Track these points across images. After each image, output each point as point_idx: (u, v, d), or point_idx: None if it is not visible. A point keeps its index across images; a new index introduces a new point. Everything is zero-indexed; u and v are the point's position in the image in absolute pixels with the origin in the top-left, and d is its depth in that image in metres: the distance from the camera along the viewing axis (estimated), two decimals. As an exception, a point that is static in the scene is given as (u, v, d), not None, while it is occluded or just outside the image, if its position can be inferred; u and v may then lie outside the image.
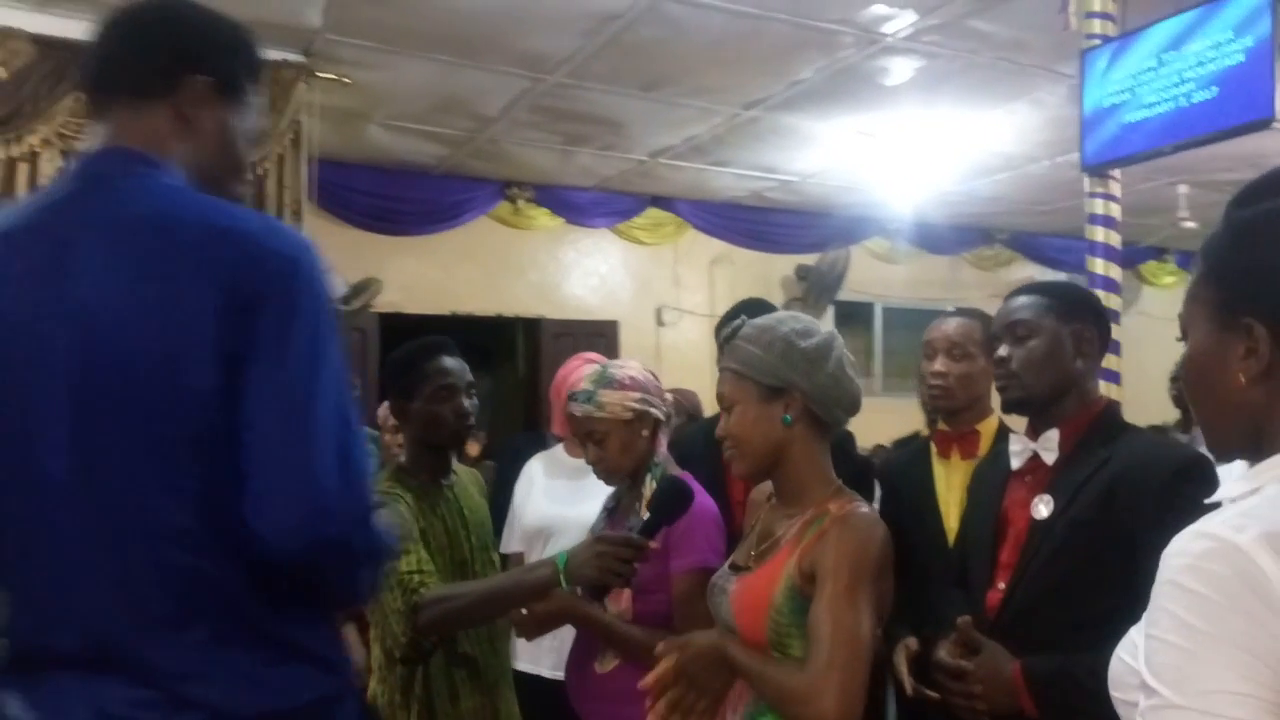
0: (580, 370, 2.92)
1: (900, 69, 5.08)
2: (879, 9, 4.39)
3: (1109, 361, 3.44)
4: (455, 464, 2.31)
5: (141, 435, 1.10)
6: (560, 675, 2.54)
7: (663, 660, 1.55)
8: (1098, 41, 3.62)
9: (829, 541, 1.52)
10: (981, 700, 1.69)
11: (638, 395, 2.08)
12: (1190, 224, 7.31)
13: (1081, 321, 1.86)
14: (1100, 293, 3.59)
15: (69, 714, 1.10)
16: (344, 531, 1.14)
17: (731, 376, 1.68)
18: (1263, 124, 3.11)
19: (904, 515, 2.48)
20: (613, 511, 2.21)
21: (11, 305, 1.14)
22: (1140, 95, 3.42)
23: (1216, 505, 0.96)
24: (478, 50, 4.79)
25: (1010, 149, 6.40)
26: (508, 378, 8.09)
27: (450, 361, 2.23)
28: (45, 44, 4.29)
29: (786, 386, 1.63)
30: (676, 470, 2.13)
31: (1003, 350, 1.88)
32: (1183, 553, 0.85)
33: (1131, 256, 8.88)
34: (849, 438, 2.94)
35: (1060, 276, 9.07)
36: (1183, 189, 7.05)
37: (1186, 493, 1.58)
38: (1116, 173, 3.63)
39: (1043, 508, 1.75)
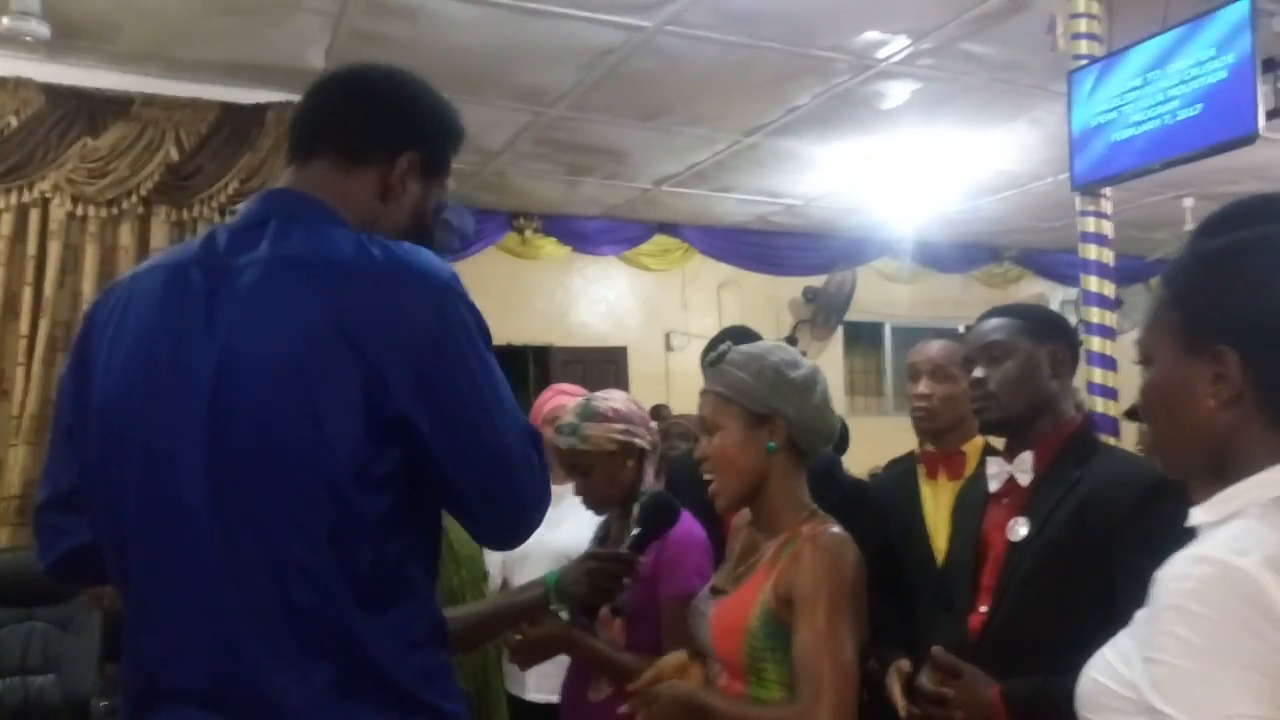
0: (554, 401, 2.98)
1: (896, 92, 5.13)
2: (871, 35, 4.45)
3: (1105, 378, 3.45)
4: None
5: (275, 474, 1.11)
6: (543, 698, 2.57)
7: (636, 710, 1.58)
8: (1085, 62, 3.66)
9: (803, 564, 1.55)
10: None
11: (621, 427, 2.11)
12: (1197, 237, 7.29)
13: (1055, 342, 1.88)
14: (1095, 310, 3.62)
15: None
16: (537, 523, 1.28)
17: (718, 400, 1.70)
18: (1247, 140, 3.13)
19: (893, 536, 2.50)
20: (603, 541, 2.24)
21: (171, 333, 1.17)
22: (1127, 114, 3.45)
23: (1192, 529, 0.97)
24: (478, 86, 4.87)
25: (1012, 167, 6.43)
26: (521, 407, 8.12)
27: None
28: (55, 93, 4.41)
29: (773, 414, 1.66)
30: (664, 497, 2.16)
31: (978, 372, 1.90)
32: (1185, 577, 0.85)
33: (1140, 270, 8.86)
34: (835, 462, 2.97)
35: (1071, 291, 9.06)
36: (1188, 202, 7.05)
37: (1158, 511, 1.60)
38: (1107, 190, 3.65)
39: (1020, 529, 1.77)
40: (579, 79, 4.82)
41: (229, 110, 4.69)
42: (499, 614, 1.99)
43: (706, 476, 1.74)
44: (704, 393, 1.77)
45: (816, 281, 8.22)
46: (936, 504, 2.38)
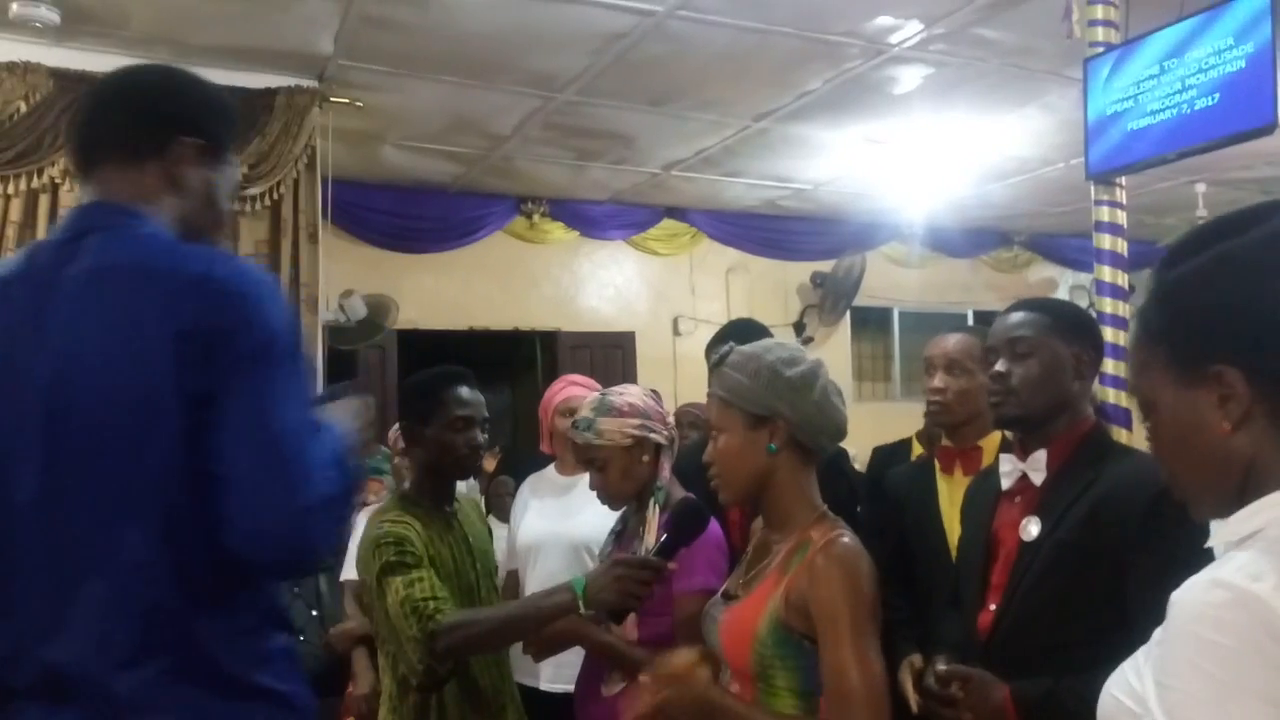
0: (565, 392, 2.98)
1: (908, 78, 5.09)
2: (884, 20, 4.41)
3: (1118, 369, 3.43)
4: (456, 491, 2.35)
5: (108, 471, 1.18)
6: (557, 687, 2.58)
7: (646, 693, 1.57)
8: (1100, 49, 3.61)
9: (819, 578, 1.52)
10: None
11: (636, 422, 2.11)
12: (1209, 223, 7.25)
13: (1081, 344, 1.85)
14: (1109, 300, 3.59)
15: None
16: (318, 546, 1.25)
17: (718, 404, 1.70)
18: (1265, 130, 3.09)
19: (908, 531, 2.50)
20: (620, 535, 2.24)
21: (1, 348, 1.25)
22: (1143, 102, 3.41)
23: (1205, 532, 0.97)
24: (488, 71, 4.85)
25: (1024, 153, 6.38)
26: (526, 391, 8.15)
27: (469, 393, 2.24)
28: (64, 77, 4.39)
29: (771, 415, 1.65)
30: (681, 493, 2.16)
31: (1000, 365, 1.87)
32: (1199, 602, 0.84)
33: (1151, 256, 8.76)
34: (843, 455, 2.96)
35: (1081, 277, 9.03)
36: (1201, 187, 7.01)
37: (1171, 514, 1.57)
38: (1122, 179, 3.62)
39: (1032, 528, 1.76)
40: (589, 64, 4.79)
41: (238, 95, 4.66)
42: (527, 616, 1.99)
43: (713, 481, 1.73)
44: (709, 395, 1.78)
45: (825, 266, 8.18)
46: (952, 499, 2.36)
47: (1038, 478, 1.80)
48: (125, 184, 1.34)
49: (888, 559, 2.49)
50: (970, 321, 8.96)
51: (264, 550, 1.19)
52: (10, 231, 4.33)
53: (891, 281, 8.60)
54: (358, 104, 5.08)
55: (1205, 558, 0.93)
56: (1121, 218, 3.60)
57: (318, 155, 4.88)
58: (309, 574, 1.33)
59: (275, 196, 4.75)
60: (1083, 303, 8.17)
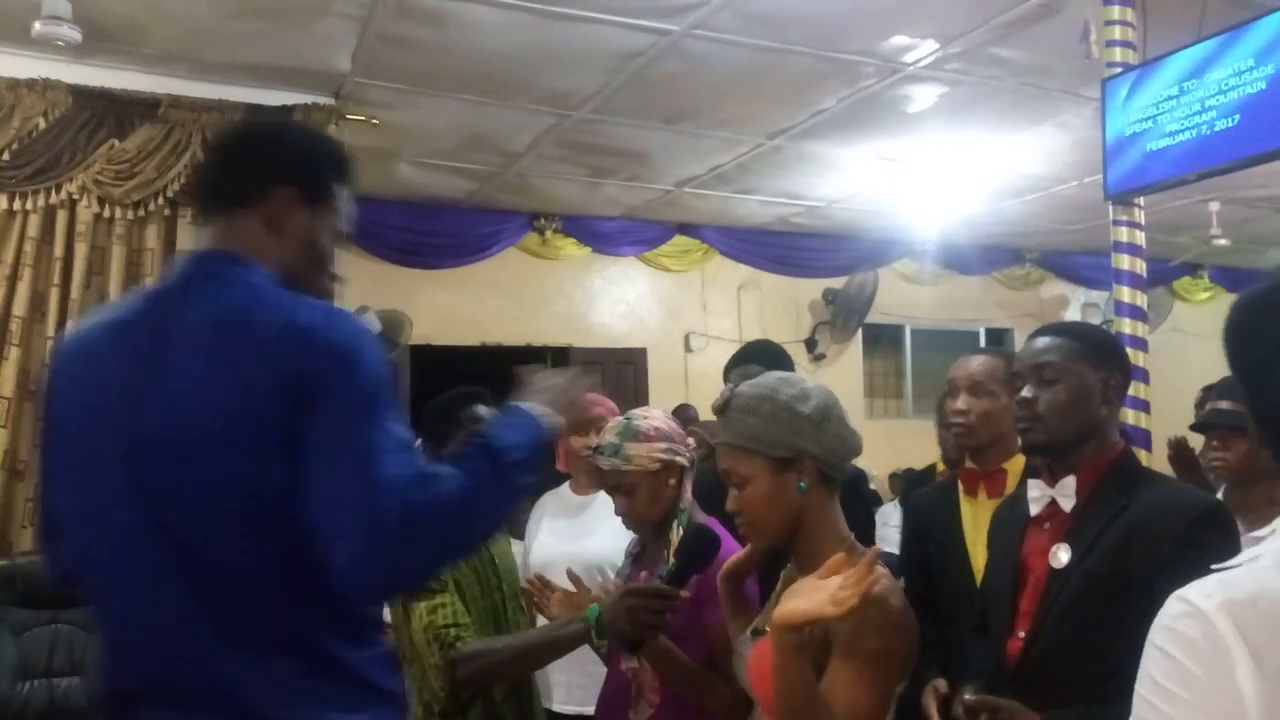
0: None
1: (923, 96, 5.09)
2: (900, 39, 4.42)
3: (1137, 390, 3.42)
4: None
5: (223, 507, 1.27)
6: (573, 709, 2.56)
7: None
8: (1119, 69, 3.61)
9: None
10: None
11: (663, 445, 2.09)
12: (1222, 241, 7.24)
13: (1109, 369, 1.83)
14: (1127, 320, 3.58)
15: None
16: (410, 581, 1.42)
17: (736, 452, 1.63)
18: (1286, 152, 3.09)
19: (931, 555, 2.48)
20: (638, 557, 2.22)
21: (118, 383, 1.33)
22: (1162, 123, 3.41)
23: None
24: (503, 90, 4.86)
25: (1038, 170, 6.38)
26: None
27: (484, 411, 2.25)
28: (82, 94, 4.42)
29: (797, 455, 1.60)
30: (701, 516, 2.14)
31: (1027, 391, 1.84)
32: (1164, 614, 0.86)
33: (1165, 274, 8.79)
34: (860, 477, 2.94)
35: (1093, 294, 9.00)
36: (1214, 206, 6.99)
37: (1203, 541, 1.57)
38: (1140, 200, 3.61)
39: (1062, 555, 1.74)
40: (604, 82, 4.80)
41: (255, 112, 4.69)
42: (541, 647, 2.00)
43: (742, 530, 1.68)
44: (719, 444, 1.69)
45: (837, 283, 8.18)
46: (976, 523, 2.35)
47: (1067, 504, 1.78)
48: (232, 233, 1.43)
49: (908, 583, 2.48)
50: (982, 339, 8.96)
51: (360, 589, 1.29)
52: (28, 247, 4.34)
53: (904, 299, 8.59)
54: (374, 121, 5.10)
55: None
56: (1140, 238, 3.60)
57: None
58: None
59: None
60: (1094, 320, 8.15)
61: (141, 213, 4.51)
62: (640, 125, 5.44)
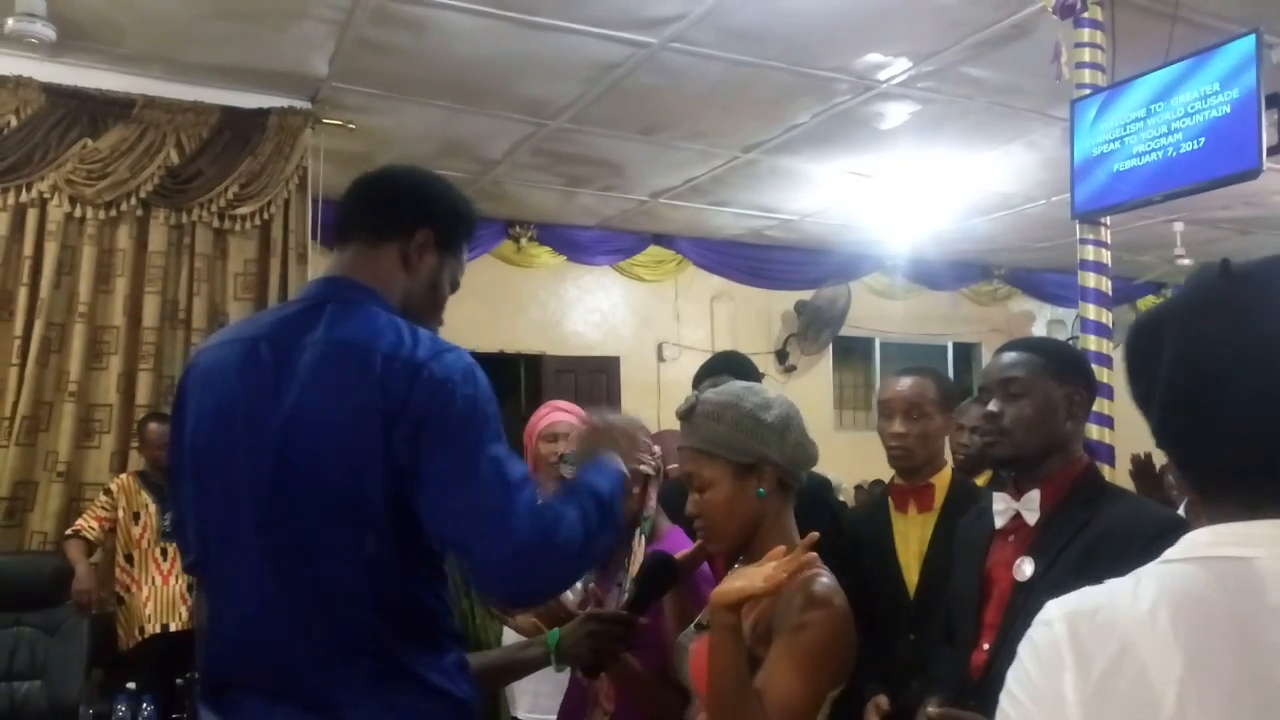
0: (550, 417, 2.96)
1: (895, 113, 5.15)
2: (873, 57, 4.48)
3: (1101, 406, 3.47)
4: None
5: (324, 518, 1.39)
6: (538, 717, 2.56)
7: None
8: (1088, 91, 3.68)
9: (791, 607, 1.51)
10: None
11: None
12: (1186, 261, 7.35)
13: (1074, 384, 1.87)
14: (1093, 338, 3.64)
15: None
16: (534, 597, 1.64)
17: (699, 456, 1.66)
18: (1249, 174, 3.16)
19: (864, 568, 2.51)
20: (604, 565, 2.23)
21: (247, 396, 1.46)
22: (1129, 145, 3.48)
23: None
24: (481, 97, 4.88)
25: (1007, 189, 6.47)
26: (510, 414, 8.10)
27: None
28: (56, 92, 4.39)
29: (759, 461, 1.63)
30: (666, 524, 2.15)
31: (993, 405, 1.87)
32: (1031, 623, 0.88)
33: (1129, 292, 8.92)
34: (825, 485, 2.96)
35: (1059, 311, 9.12)
36: (1178, 226, 7.11)
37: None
38: (1107, 219, 3.68)
39: (1026, 568, 1.77)
40: (581, 92, 4.83)
41: (230, 114, 4.67)
42: (500, 669, 2.01)
43: (700, 533, 1.71)
44: (681, 449, 1.71)
45: (808, 295, 8.24)
46: (906, 537, 2.44)
47: (1031, 517, 1.81)
48: (365, 263, 1.56)
49: (848, 596, 2.52)
50: (950, 353, 9.05)
51: (504, 592, 1.53)
52: (-3, 245, 4.31)
53: (874, 312, 8.66)
54: (350, 126, 5.08)
55: None
56: (1106, 257, 3.66)
57: (309, 176, 4.88)
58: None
59: (266, 216, 4.75)
60: (1060, 336, 8.26)
61: (113, 213, 4.49)
62: (616, 136, 5.47)
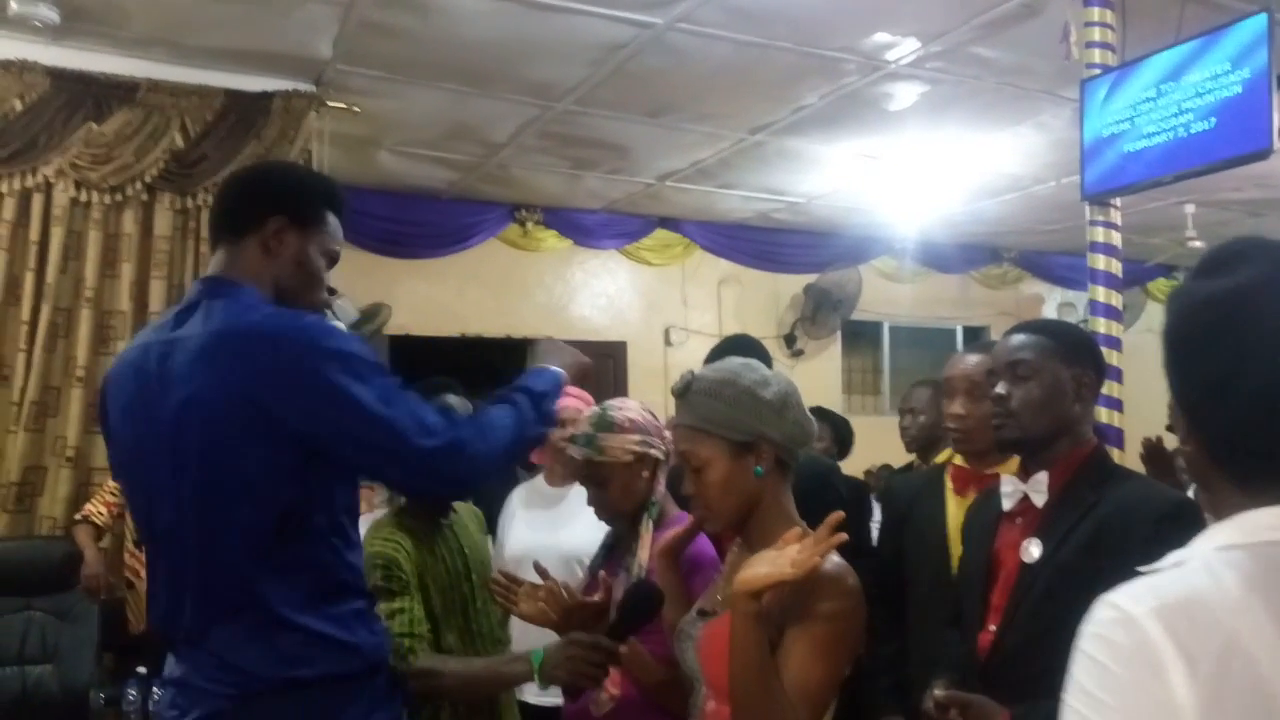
0: (560, 402, 2.96)
1: (904, 94, 5.11)
2: (881, 37, 4.44)
3: (1110, 389, 3.46)
4: (456, 502, 2.34)
5: (211, 497, 1.56)
6: (545, 700, 2.57)
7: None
8: (1098, 71, 3.65)
9: (803, 590, 1.49)
10: None
11: (638, 438, 2.09)
12: (1197, 243, 7.30)
13: (1082, 366, 1.86)
14: (1102, 320, 3.62)
15: (189, 669, 1.63)
16: (477, 474, 1.68)
17: (696, 434, 1.64)
18: (1260, 155, 3.13)
19: (908, 545, 2.48)
20: (611, 549, 2.23)
21: (143, 397, 1.63)
22: (1139, 125, 3.44)
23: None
24: (486, 80, 4.85)
25: (1017, 170, 6.42)
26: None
27: (454, 399, 2.29)
28: (60, 76, 4.37)
29: (756, 439, 1.61)
30: (674, 510, 2.15)
31: (1001, 388, 1.87)
32: (1092, 620, 0.85)
33: (1140, 275, 8.87)
34: (834, 469, 2.94)
35: (1069, 294, 9.08)
36: (1190, 208, 7.05)
37: (1173, 538, 1.58)
38: (1117, 200, 3.65)
39: (1033, 550, 1.77)
40: (587, 74, 4.80)
41: (235, 98, 4.65)
42: (485, 680, 2.05)
43: (697, 513, 1.70)
44: (677, 426, 1.70)
45: (817, 281, 8.21)
46: (959, 521, 2.34)
47: (1039, 500, 1.81)
48: (234, 259, 1.70)
49: (878, 572, 2.47)
50: (960, 337, 9.02)
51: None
52: (3, 230, 4.30)
53: (883, 296, 8.63)
54: (354, 109, 5.07)
55: None
56: (1116, 239, 3.64)
57: (314, 159, 4.87)
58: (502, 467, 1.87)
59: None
60: (1071, 320, 8.22)
61: (119, 197, 4.48)
62: (622, 118, 5.44)
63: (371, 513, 3.53)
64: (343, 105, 5.01)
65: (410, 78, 4.83)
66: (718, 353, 2.94)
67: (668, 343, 7.89)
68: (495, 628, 2.33)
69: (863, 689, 2.36)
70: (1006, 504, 1.87)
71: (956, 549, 2.31)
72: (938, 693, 1.75)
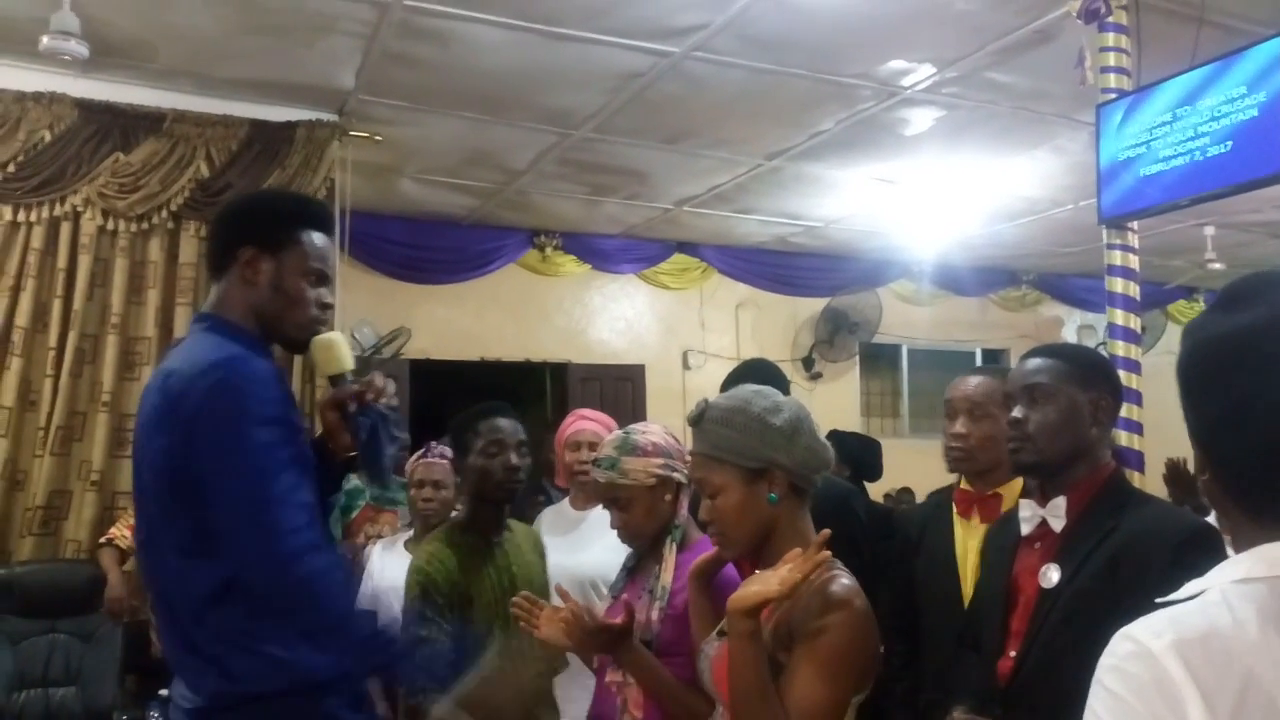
0: (576, 425, 2.99)
1: (920, 119, 5.14)
2: (897, 63, 4.47)
3: (1130, 412, 3.44)
4: (512, 522, 2.38)
5: (159, 529, 1.63)
6: None
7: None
8: (1113, 95, 3.66)
9: (811, 611, 1.51)
10: None
11: (660, 461, 2.10)
12: (1217, 265, 7.28)
13: (1099, 390, 1.86)
14: (1120, 343, 3.61)
15: (176, 689, 1.70)
16: (304, 577, 1.60)
17: (709, 462, 1.67)
18: (1278, 178, 3.13)
19: (919, 571, 2.48)
20: (632, 571, 2.24)
21: (141, 430, 1.70)
22: (1156, 149, 3.45)
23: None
24: (505, 108, 4.91)
25: (1034, 194, 6.43)
26: (535, 423, 8.14)
27: (504, 421, 2.45)
28: (88, 108, 4.46)
29: (768, 466, 1.63)
30: (697, 534, 2.16)
31: (1018, 412, 1.87)
32: (1110, 653, 0.85)
33: (1161, 297, 8.84)
34: (855, 494, 2.93)
35: (1088, 316, 9.05)
36: (1209, 230, 7.03)
37: (1193, 563, 1.58)
38: (1134, 224, 3.65)
39: (1052, 575, 1.76)
40: (605, 102, 4.85)
41: (259, 127, 4.73)
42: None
43: (713, 539, 1.72)
44: (693, 455, 1.73)
45: (837, 302, 8.22)
46: (966, 545, 2.35)
47: (1057, 524, 1.81)
48: (219, 296, 1.76)
49: (893, 599, 2.48)
50: (979, 360, 8.99)
51: (260, 594, 1.60)
52: (32, 258, 4.38)
53: (901, 319, 8.62)
54: (377, 138, 5.14)
55: None
56: (1134, 262, 3.63)
57: (336, 187, 4.93)
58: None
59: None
60: (1090, 343, 8.19)
61: (145, 225, 4.55)
62: (640, 145, 5.49)
63: (391, 538, 3.55)
64: (365, 134, 5.08)
65: (431, 106, 4.90)
66: (735, 376, 2.95)
67: (686, 366, 7.91)
68: (535, 645, 2.34)
69: (880, 711, 2.35)
70: (1025, 529, 1.87)
71: (964, 572, 2.32)
72: (958, 715, 1.75)
